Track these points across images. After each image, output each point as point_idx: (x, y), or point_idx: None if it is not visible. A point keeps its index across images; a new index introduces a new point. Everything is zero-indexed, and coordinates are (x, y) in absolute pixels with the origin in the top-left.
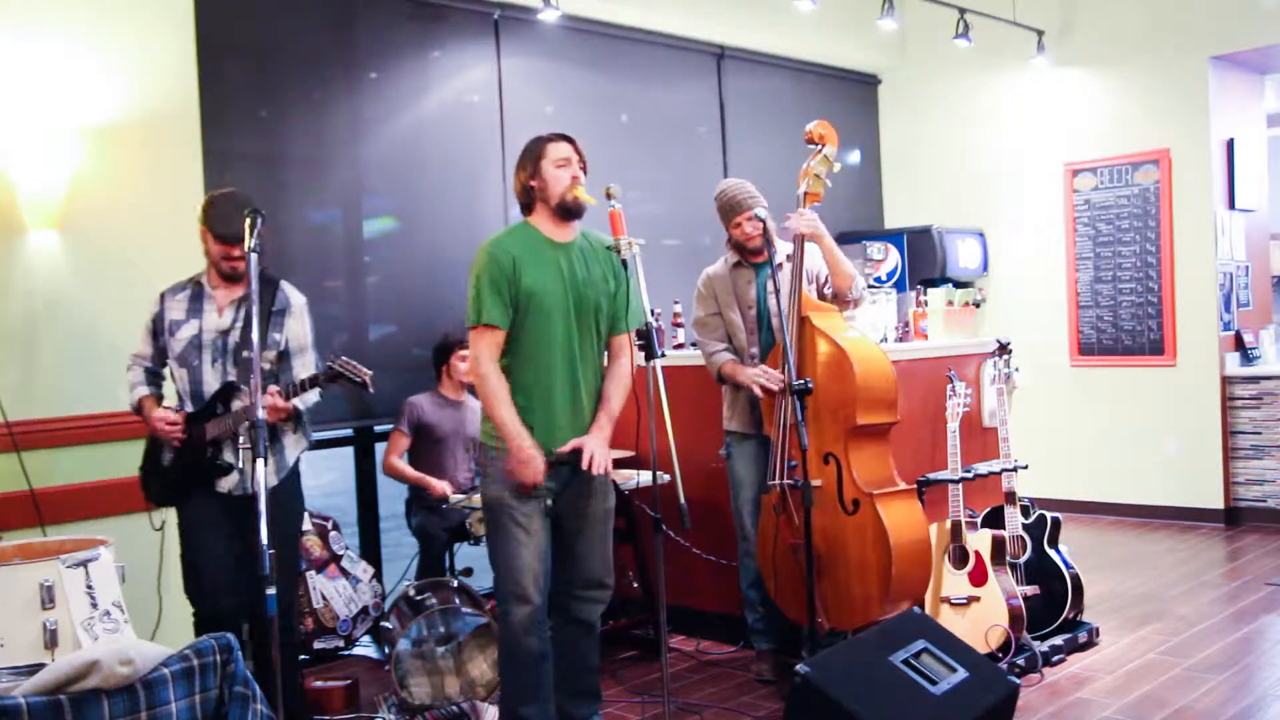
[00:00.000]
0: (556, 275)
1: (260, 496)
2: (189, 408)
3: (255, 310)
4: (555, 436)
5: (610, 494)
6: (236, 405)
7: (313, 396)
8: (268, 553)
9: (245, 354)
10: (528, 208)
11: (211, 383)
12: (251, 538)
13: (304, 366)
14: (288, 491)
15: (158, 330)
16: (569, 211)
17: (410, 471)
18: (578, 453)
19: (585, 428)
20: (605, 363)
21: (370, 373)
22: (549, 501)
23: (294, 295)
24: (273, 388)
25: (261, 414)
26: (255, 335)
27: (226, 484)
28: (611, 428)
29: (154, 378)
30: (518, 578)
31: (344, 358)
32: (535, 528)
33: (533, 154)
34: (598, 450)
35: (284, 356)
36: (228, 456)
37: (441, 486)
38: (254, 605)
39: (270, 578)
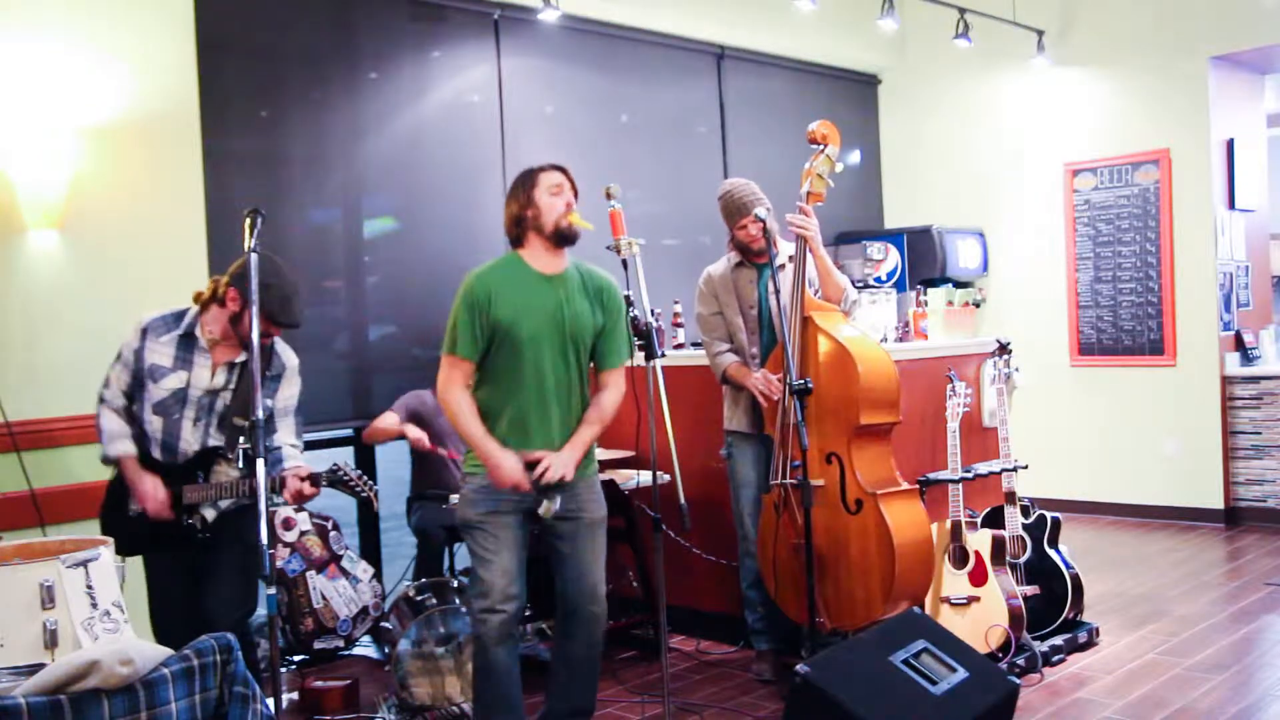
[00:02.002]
0: (542, 308)
1: (260, 498)
2: (157, 455)
3: (255, 309)
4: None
5: (602, 504)
6: (218, 475)
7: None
8: (267, 552)
9: (236, 420)
10: (518, 240)
11: (189, 439)
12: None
13: (286, 429)
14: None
15: (138, 366)
16: (564, 238)
17: (388, 421)
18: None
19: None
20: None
21: (376, 488)
22: (544, 507)
23: (289, 357)
24: (300, 469)
25: (260, 414)
26: (255, 336)
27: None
28: (581, 451)
29: (131, 427)
30: (485, 590)
31: (354, 469)
32: (503, 542)
33: (525, 184)
34: (555, 462)
35: (269, 417)
36: (204, 514)
37: (417, 433)
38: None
39: (270, 577)
